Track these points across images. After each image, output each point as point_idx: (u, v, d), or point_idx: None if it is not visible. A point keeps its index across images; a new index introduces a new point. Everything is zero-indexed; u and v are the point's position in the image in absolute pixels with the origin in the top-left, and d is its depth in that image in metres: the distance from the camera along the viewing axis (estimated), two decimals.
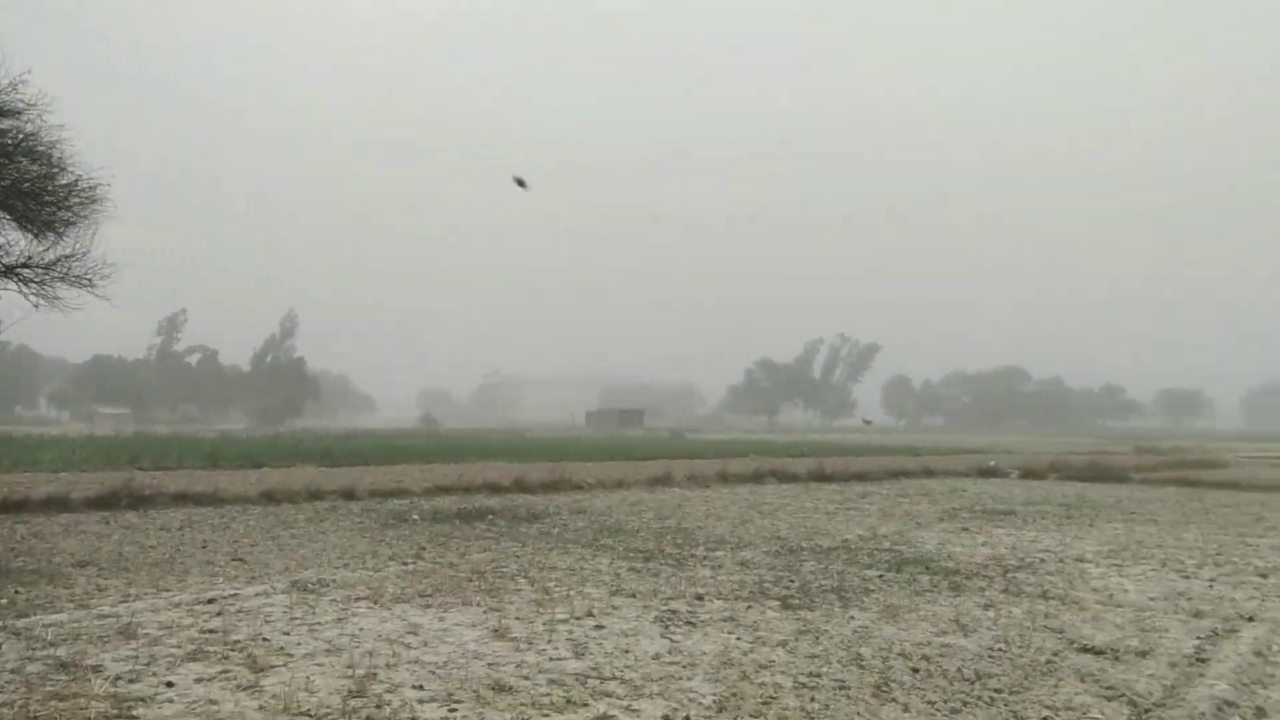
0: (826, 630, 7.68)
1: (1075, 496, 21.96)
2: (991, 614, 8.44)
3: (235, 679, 6.00)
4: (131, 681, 5.89)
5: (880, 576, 10.38)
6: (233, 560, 10.76)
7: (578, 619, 7.90)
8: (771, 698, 5.81)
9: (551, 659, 6.62)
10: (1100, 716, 5.60)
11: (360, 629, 7.41)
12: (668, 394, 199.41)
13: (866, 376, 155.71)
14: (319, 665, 6.34)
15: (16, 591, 8.67)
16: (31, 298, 12.66)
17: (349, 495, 18.11)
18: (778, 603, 8.79)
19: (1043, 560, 11.82)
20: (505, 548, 12.08)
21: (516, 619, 7.85)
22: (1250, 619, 8.48)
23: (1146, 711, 5.72)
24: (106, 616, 7.70)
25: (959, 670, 6.53)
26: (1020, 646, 7.24)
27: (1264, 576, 10.88)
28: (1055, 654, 7.05)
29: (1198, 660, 6.96)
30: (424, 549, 11.85)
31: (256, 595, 8.73)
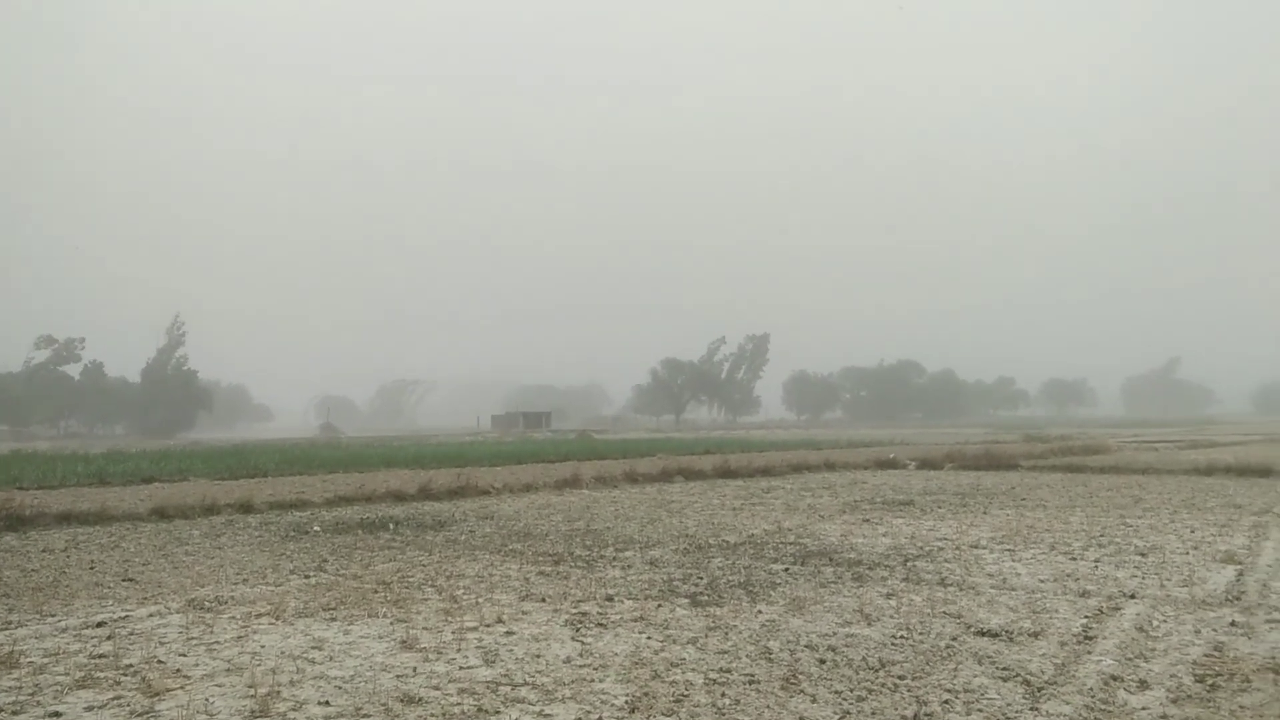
0: (735, 625, 7.78)
1: (970, 485, 22.77)
2: (893, 603, 8.69)
3: (129, 705, 5.75)
4: (15, 714, 5.59)
5: (786, 570, 10.57)
6: (123, 581, 10.31)
7: (487, 626, 7.83)
8: (683, 695, 5.87)
9: (461, 668, 6.55)
10: (997, 697, 5.82)
11: (262, 646, 7.19)
12: (573, 395, 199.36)
13: (767, 372, 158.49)
14: (219, 686, 6.13)
15: None
16: None
17: (246, 508, 17.56)
18: (687, 600, 8.87)
19: (940, 548, 12.23)
20: (411, 557, 11.89)
21: (424, 629, 7.73)
22: (1132, 596, 8.94)
23: (1040, 690, 5.97)
24: None
25: (864, 659, 6.70)
26: (921, 633, 7.48)
27: (1144, 555, 11.48)
28: (954, 638, 7.30)
29: (1086, 638, 7.30)
30: (326, 561, 11.57)
31: (150, 616, 8.39)
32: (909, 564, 10.96)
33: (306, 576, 10.46)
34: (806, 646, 7.07)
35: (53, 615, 8.51)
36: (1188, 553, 11.65)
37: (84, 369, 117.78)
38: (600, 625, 7.86)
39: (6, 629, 7.93)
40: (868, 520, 15.59)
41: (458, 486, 21.10)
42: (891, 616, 8.10)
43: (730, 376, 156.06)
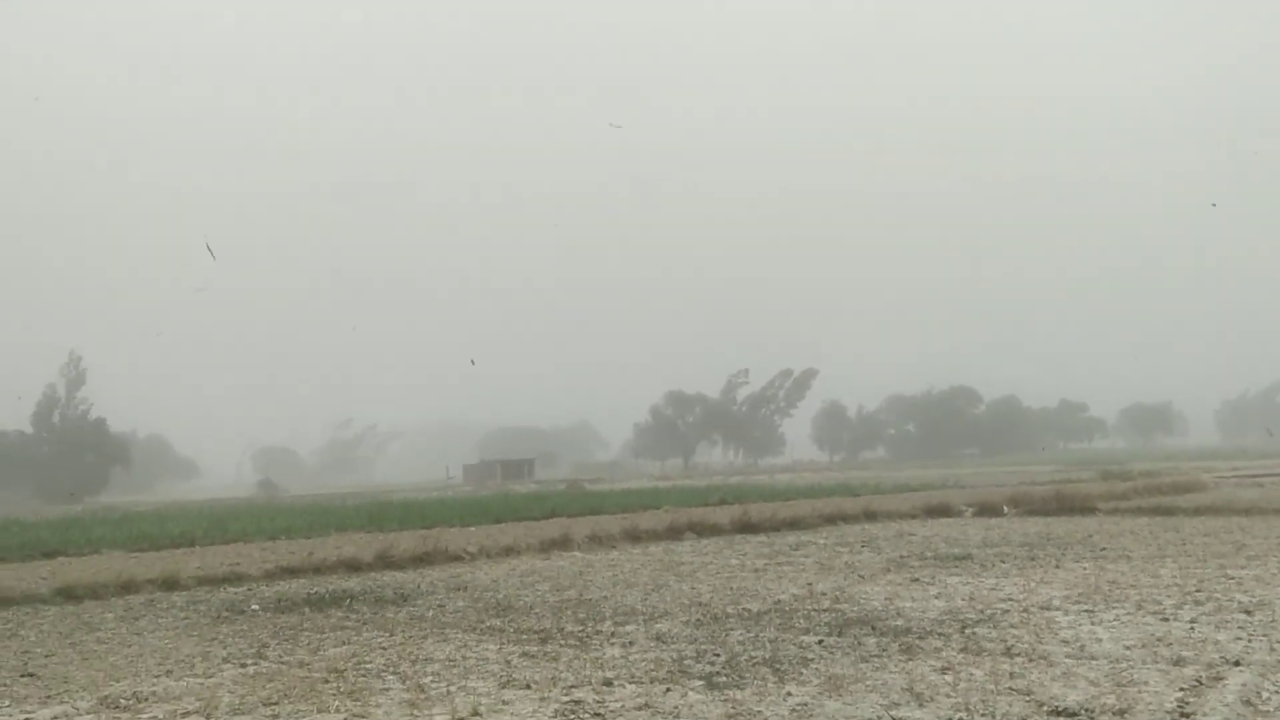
0: (760, 711, 7.74)
1: (1038, 534, 22.72)
2: (949, 678, 8.65)
3: None
4: None
5: (820, 642, 10.53)
6: (21, 676, 10.27)
7: None
8: None
9: None
10: None
11: None
12: (561, 438, 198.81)
13: (799, 408, 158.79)
14: None
15: None
16: None
17: (171, 585, 17.51)
18: (701, 682, 8.83)
19: (1005, 611, 12.18)
20: (368, 638, 11.84)
21: None
22: (1236, 663, 8.89)
23: None
24: None
25: None
26: (984, 714, 7.44)
27: (1249, 613, 11.43)
28: (1023, 719, 7.26)
29: (1181, 715, 7.26)
30: (267, 646, 11.52)
31: (55, 719, 8.34)
32: (967, 631, 10.91)
33: (243, 665, 10.41)
34: None
35: None
36: None
37: None
38: (597, 715, 7.81)
39: None
40: (917, 579, 15.54)
41: (424, 552, 21.03)
42: (948, 695, 8.05)
43: (752, 413, 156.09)
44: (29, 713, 8.60)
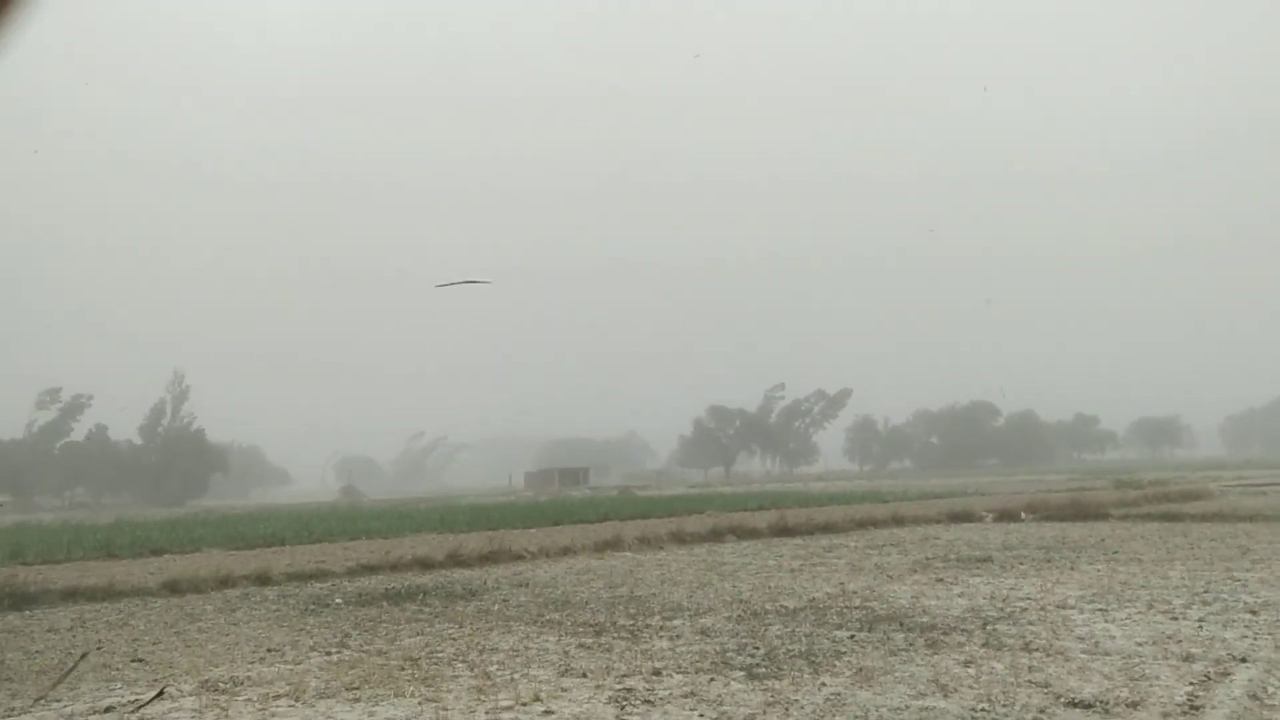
0: (796, 700, 7.68)
1: (1054, 538, 22.34)
2: (972, 671, 8.53)
3: None
4: None
5: (851, 637, 10.43)
6: (132, 661, 10.43)
7: (524, 705, 7.80)
8: None
9: None
10: None
11: None
12: (612, 448, 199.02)
13: (831, 421, 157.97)
14: None
15: None
16: None
17: (263, 580, 17.72)
18: (742, 673, 8.77)
19: (1024, 609, 11.99)
20: (440, 630, 11.90)
21: (456, 709, 7.72)
22: (1243, 660, 8.68)
23: None
24: None
25: None
26: (1004, 705, 7.32)
27: (1254, 613, 11.16)
28: (1042, 710, 7.13)
29: (1191, 708, 7.10)
30: (349, 636, 11.62)
31: (161, 700, 8.46)
32: (988, 628, 10.75)
33: (328, 653, 10.50)
34: None
35: (58, 700, 8.61)
36: None
37: (89, 433, 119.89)
38: (647, 702, 7.79)
39: (10, 716, 8.03)
40: (941, 580, 15.34)
41: (489, 552, 21.12)
42: (971, 687, 7.94)
43: (788, 425, 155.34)
44: (139, 694, 8.74)
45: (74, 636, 12.39)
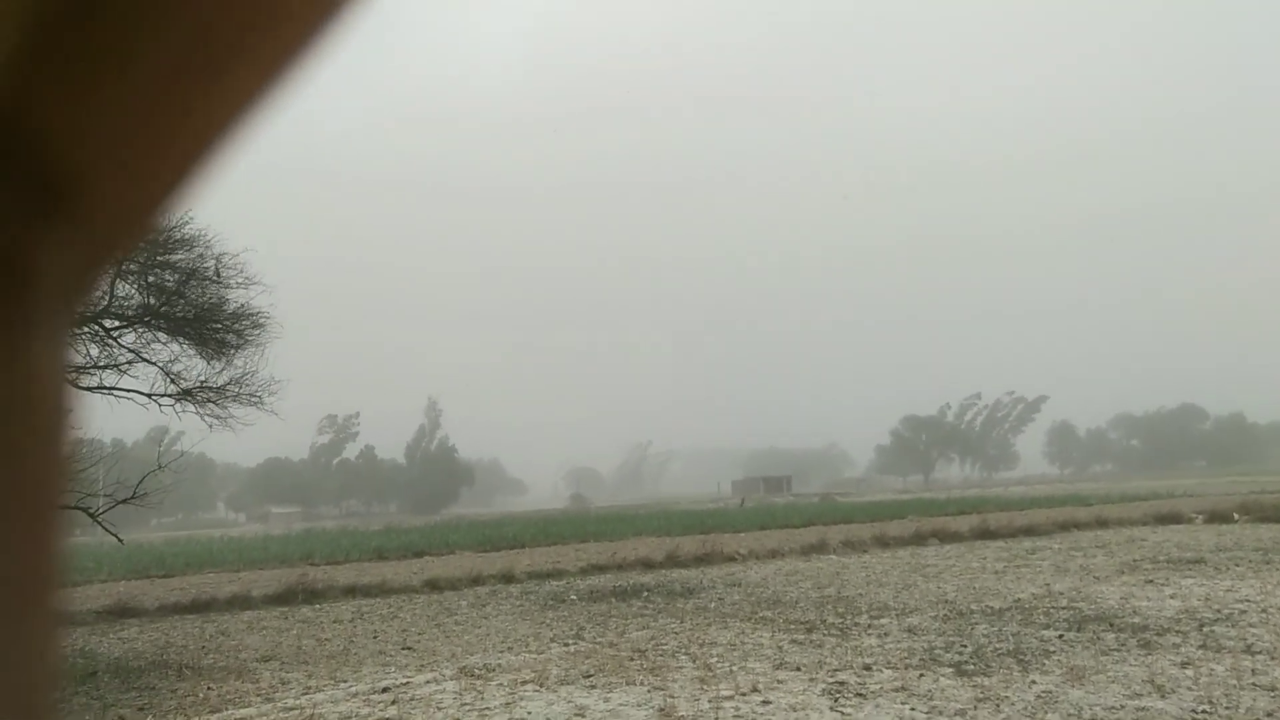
0: (1007, 697, 7.27)
1: (1273, 540, 20.22)
2: (1190, 673, 7.82)
3: None
4: None
5: (1060, 637, 9.79)
6: (402, 649, 11.08)
7: (743, 694, 7.75)
8: None
9: None
10: None
11: (529, 712, 7.48)
12: (811, 458, 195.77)
13: (1028, 427, 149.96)
14: None
15: (209, 688, 9.17)
16: (207, 418, 13.67)
17: (508, 579, 18.43)
18: (951, 669, 8.40)
19: (1243, 611, 10.90)
20: (663, 624, 12.02)
21: (681, 697, 7.76)
22: None
23: None
24: (291, 709, 8.03)
25: None
26: (1228, 707, 6.67)
27: None
28: (1269, 714, 6.45)
29: None
30: (584, 629, 11.91)
31: (427, 683, 8.95)
32: (1205, 629, 9.84)
33: (566, 644, 10.80)
34: None
35: (344, 681, 9.26)
36: None
37: (360, 452, 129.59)
38: (859, 695, 7.58)
39: (307, 694, 8.71)
40: (1151, 581, 14.18)
41: (704, 553, 21.19)
42: (1189, 688, 7.28)
43: (985, 432, 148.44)
44: (409, 677, 9.27)
45: (354, 627, 13.30)
